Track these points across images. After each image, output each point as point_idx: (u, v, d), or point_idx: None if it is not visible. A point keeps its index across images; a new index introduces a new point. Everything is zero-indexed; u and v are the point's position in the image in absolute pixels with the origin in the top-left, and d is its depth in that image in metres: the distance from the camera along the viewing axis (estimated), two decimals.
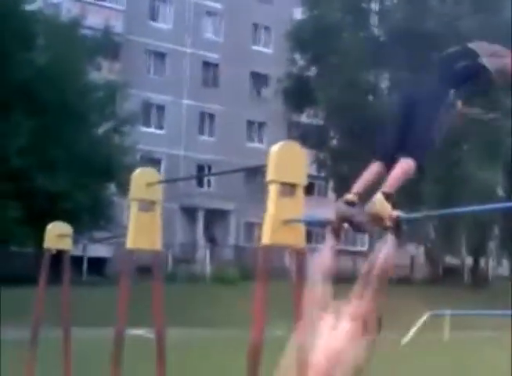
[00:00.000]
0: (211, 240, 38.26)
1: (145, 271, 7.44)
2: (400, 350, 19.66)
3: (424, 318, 23.50)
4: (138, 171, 6.91)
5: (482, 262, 43.05)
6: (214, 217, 39.21)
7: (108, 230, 32.45)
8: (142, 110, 34.65)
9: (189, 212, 37.84)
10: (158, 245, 6.78)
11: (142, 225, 6.67)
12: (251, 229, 41.42)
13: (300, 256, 5.26)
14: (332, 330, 3.97)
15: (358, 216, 4.49)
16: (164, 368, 6.57)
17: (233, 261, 35.46)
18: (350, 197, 4.55)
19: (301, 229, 5.24)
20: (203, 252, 36.20)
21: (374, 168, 4.74)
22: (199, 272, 31.89)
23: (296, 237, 5.16)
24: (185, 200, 36.06)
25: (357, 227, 4.55)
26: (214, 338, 20.17)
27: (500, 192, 38.38)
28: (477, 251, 41.76)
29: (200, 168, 40.00)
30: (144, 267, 8.09)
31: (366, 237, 40.58)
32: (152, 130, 38.72)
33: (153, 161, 37.09)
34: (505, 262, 45.99)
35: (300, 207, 5.12)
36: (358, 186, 4.66)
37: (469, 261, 43.40)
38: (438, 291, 33.19)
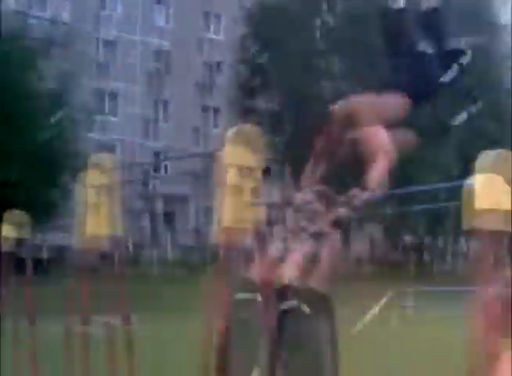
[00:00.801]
0: (171, 225, 38.20)
1: (105, 258, 7.38)
2: (363, 328, 19.94)
3: (388, 297, 23.79)
4: (94, 156, 6.88)
5: (440, 240, 43.71)
6: (174, 202, 39.10)
7: (66, 218, 32.19)
8: (95, 98, 34.37)
9: (147, 198, 37.65)
10: (119, 230, 6.71)
11: (100, 212, 6.62)
12: (211, 213, 41.41)
13: (260, 237, 5.27)
14: None
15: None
16: (134, 358, 6.49)
17: (194, 246, 35.44)
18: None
19: (260, 211, 5.25)
20: (163, 238, 36.17)
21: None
22: (162, 258, 31.86)
23: (255, 220, 5.17)
24: (142, 186, 35.88)
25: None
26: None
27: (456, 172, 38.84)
28: (435, 230, 42.36)
29: (156, 155, 39.83)
30: (104, 254, 8.03)
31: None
32: (106, 118, 38.35)
33: (108, 148, 36.80)
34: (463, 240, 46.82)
35: (258, 189, 5.13)
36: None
37: (427, 239, 44.03)
38: (398, 270, 33.61)
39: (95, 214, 6.63)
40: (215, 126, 42.35)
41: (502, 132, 38.96)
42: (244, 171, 5.00)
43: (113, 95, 39.13)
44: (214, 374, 4.84)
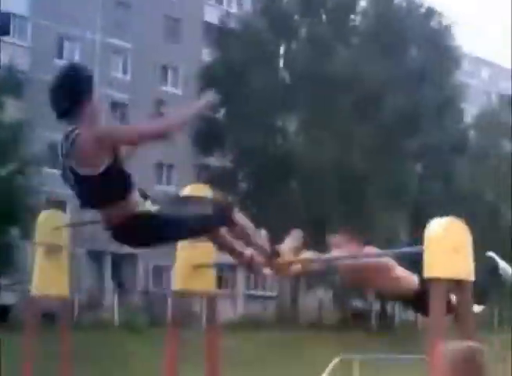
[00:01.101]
0: (119, 285, 37.58)
1: (50, 318, 7.15)
2: None
3: (334, 362, 23.61)
4: (43, 213, 6.71)
5: (389, 306, 43.83)
6: (122, 261, 38.60)
7: (11, 276, 31.47)
8: (47, 150, 33.96)
9: (96, 256, 37.07)
10: (65, 291, 6.57)
11: (48, 271, 6.47)
12: (160, 272, 40.92)
13: (211, 302, 5.23)
14: None
15: None
16: None
17: (142, 308, 34.84)
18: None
19: (212, 274, 5.22)
20: (111, 298, 35.48)
21: None
22: (107, 320, 31.14)
23: (207, 283, 5.14)
24: (91, 244, 35.26)
25: None
26: None
27: (403, 236, 39.39)
28: (384, 296, 42.50)
29: None
30: (49, 314, 7.79)
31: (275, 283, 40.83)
32: (58, 172, 37.99)
33: (58, 204, 36.26)
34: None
35: (210, 251, 5.10)
36: None
37: (376, 305, 44.12)
38: (346, 335, 33.50)
39: (42, 273, 6.51)
40: (169, 182, 42.27)
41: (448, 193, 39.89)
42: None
43: None
44: None
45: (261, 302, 39.74)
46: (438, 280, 3.45)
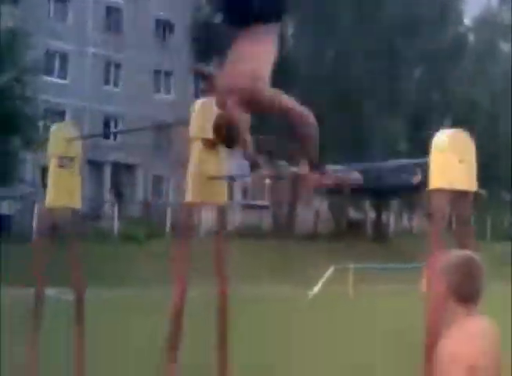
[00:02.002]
0: (119, 195, 37.84)
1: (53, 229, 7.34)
2: (307, 303, 20.33)
3: (329, 272, 24.17)
4: (56, 126, 6.77)
5: (384, 216, 44.40)
6: (121, 170, 38.79)
7: (11, 186, 31.68)
8: (44, 59, 33.56)
9: (95, 166, 37.18)
10: (78, 203, 6.68)
11: (61, 183, 6.56)
12: (159, 182, 41.21)
13: (221, 212, 5.40)
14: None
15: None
16: (83, 328, 6.53)
17: (141, 218, 35.18)
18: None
19: (224, 186, 5.37)
20: (110, 208, 35.82)
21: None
22: (106, 230, 31.48)
23: (219, 194, 5.29)
24: (92, 154, 35.32)
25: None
26: (118, 297, 20.20)
27: (402, 144, 39.56)
28: (380, 206, 43.01)
29: (107, 120, 39.31)
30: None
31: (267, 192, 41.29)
32: (55, 80, 37.64)
33: (57, 113, 36.17)
34: (405, 217, 47.67)
35: (223, 163, 5.26)
36: None
37: (372, 215, 44.71)
38: (342, 245, 34.08)
39: (55, 185, 6.59)
40: (167, 92, 42.00)
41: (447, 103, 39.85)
42: (208, 144, 5.11)
43: (64, 57, 38.30)
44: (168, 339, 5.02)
45: (258, 212, 40.14)
46: (441, 190, 3.59)
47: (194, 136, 5.14)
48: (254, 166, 4.54)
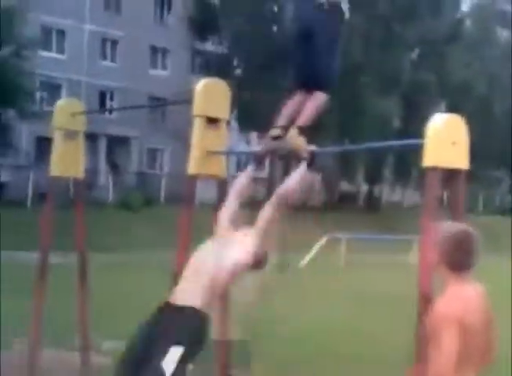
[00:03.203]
0: (114, 166, 38.08)
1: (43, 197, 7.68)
2: (298, 272, 20.65)
3: (322, 242, 24.50)
4: (62, 101, 7.17)
5: (377, 188, 44.75)
6: (117, 143, 38.96)
7: (7, 156, 31.98)
8: (41, 34, 33.65)
9: (91, 138, 37.37)
10: (81, 173, 7.03)
11: (65, 154, 6.89)
12: (154, 155, 41.43)
13: (222, 185, 5.65)
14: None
15: (282, 150, 4.96)
16: (87, 291, 6.88)
17: (136, 187, 35.54)
18: (276, 132, 4.95)
19: (224, 160, 5.62)
20: (105, 179, 36.09)
21: (295, 98, 5.15)
22: (101, 199, 31.80)
23: (219, 168, 5.54)
24: (87, 126, 35.53)
25: (282, 158, 5.04)
26: (118, 263, 20.58)
27: (396, 122, 39.84)
28: (372, 178, 43.34)
29: (102, 95, 39.39)
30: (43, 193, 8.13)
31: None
32: (52, 55, 37.66)
33: (53, 87, 36.30)
34: (398, 189, 48.03)
35: (223, 139, 5.50)
36: (282, 119, 5.05)
37: (364, 188, 45.06)
38: (334, 216, 34.43)
39: (60, 155, 6.91)
40: (164, 67, 42.02)
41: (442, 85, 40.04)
42: (212, 121, 5.36)
43: (61, 32, 38.30)
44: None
45: (253, 184, 40.36)
46: (435, 168, 3.85)
47: (198, 114, 5.37)
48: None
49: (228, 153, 5.80)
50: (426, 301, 3.69)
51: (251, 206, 5.50)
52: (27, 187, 30.44)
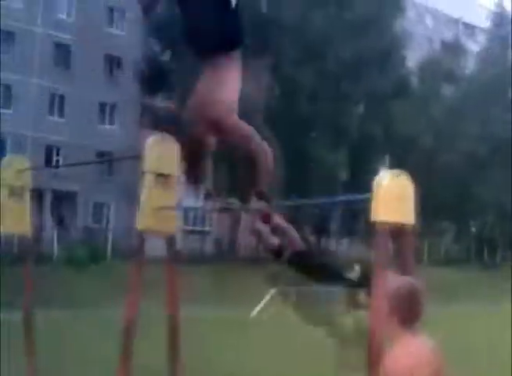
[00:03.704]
0: (60, 221, 37.61)
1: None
2: (248, 323, 20.55)
3: (271, 294, 24.46)
4: (7, 158, 7.18)
5: (323, 241, 45.01)
6: (62, 198, 38.57)
7: None
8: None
9: (36, 193, 36.96)
10: (28, 229, 6.97)
11: (11, 211, 6.84)
12: (100, 209, 41.05)
13: (171, 241, 5.64)
14: None
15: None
16: (33, 348, 6.75)
17: (82, 242, 35.09)
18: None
19: (173, 215, 5.62)
20: (50, 234, 35.57)
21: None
22: (47, 254, 31.28)
23: (168, 223, 5.54)
24: (33, 181, 35.16)
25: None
26: (68, 319, 20.14)
27: (343, 175, 40.35)
28: (319, 231, 43.63)
29: (49, 149, 39.09)
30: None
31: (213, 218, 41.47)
32: None
33: None
34: (345, 241, 48.37)
35: (172, 195, 5.51)
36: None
37: (312, 240, 45.24)
38: (283, 269, 34.35)
39: (5, 213, 6.85)
40: (111, 123, 42.00)
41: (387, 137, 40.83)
42: (161, 177, 5.37)
43: (8, 88, 38.08)
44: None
45: (200, 238, 40.28)
46: (383, 222, 3.93)
47: (148, 170, 5.39)
48: (207, 196, 4.83)
49: (178, 209, 5.79)
50: (375, 353, 3.71)
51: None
52: None
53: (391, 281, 3.64)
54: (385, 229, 3.92)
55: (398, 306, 3.49)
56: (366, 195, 4.02)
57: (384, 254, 3.96)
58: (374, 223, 3.95)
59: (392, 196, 3.90)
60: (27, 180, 7.00)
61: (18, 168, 6.90)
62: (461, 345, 12.77)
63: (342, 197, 7.14)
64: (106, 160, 44.00)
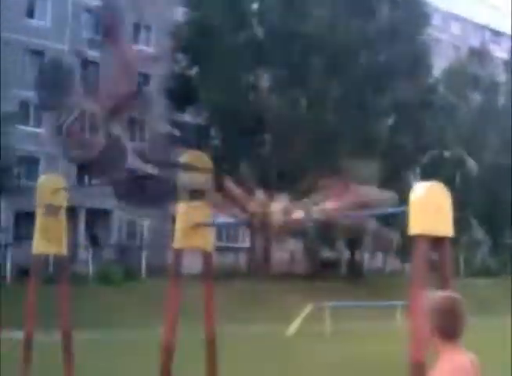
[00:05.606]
0: (94, 239, 37.82)
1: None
2: (285, 341, 20.41)
3: (308, 310, 24.31)
4: (43, 177, 7.19)
5: (358, 255, 44.65)
6: (96, 216, 38.80)
7: None
8: (20, 109, 33.87)
9: (70, 211, 37.13)
10: (64, 249, 6.96)
11: (48, 230, 6.83)
12: (134, 227, 41.21)
13: (208, 258, 5.64)
14: None
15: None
16: (73, 371, 6.76)
17: (116, 260, 35.20)
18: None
19: (209, 232, 5.62)
20: (85, 253, 35.75)
21: None
22: (81, 273, 31.37)
23: (205, 240, 5.55)
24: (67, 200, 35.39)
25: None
26: (106, 340, 20.13)
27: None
28: (353, 245, 43.29)
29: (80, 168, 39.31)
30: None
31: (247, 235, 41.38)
32: (30, 129, 37.80)
33: (31, 161, 36.29)
34: (379, 255, 47.96)
35: (207, 211, 5.51)
36: None
37: (345, 254, 44.93)
38: (317, 284, 34.22)
39: (42, 232, 6.86)
40: (142, 140, 42.23)
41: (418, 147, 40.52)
42: (196, 193, 5.39)
43: (38, 106, 38.49)
44: None
45: (233, 254, 40.24)
46: (421, 235, 3.86)
47: (181, 186, 5.42)
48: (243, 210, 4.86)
49: (213, 225, 5.81)
50: (418, 369, 3.66)
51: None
52: (5, 264, 29.92)
53: (430, 296, 3.57)
54: (423, 242, 3.86)
55: (440, 322, 3.43)
56: (403, 208, 3.97)
57: (422, 267, 3.90)
58: (412, 237, 3.90)
59: (430, 208, 3.83)
60: (63, 199, 7.01)
61: (54, 187, 6.92)
62: (500, 358, 12.57)
63: (377, 211, 7.01)
64: (138, 177, 44.05)
